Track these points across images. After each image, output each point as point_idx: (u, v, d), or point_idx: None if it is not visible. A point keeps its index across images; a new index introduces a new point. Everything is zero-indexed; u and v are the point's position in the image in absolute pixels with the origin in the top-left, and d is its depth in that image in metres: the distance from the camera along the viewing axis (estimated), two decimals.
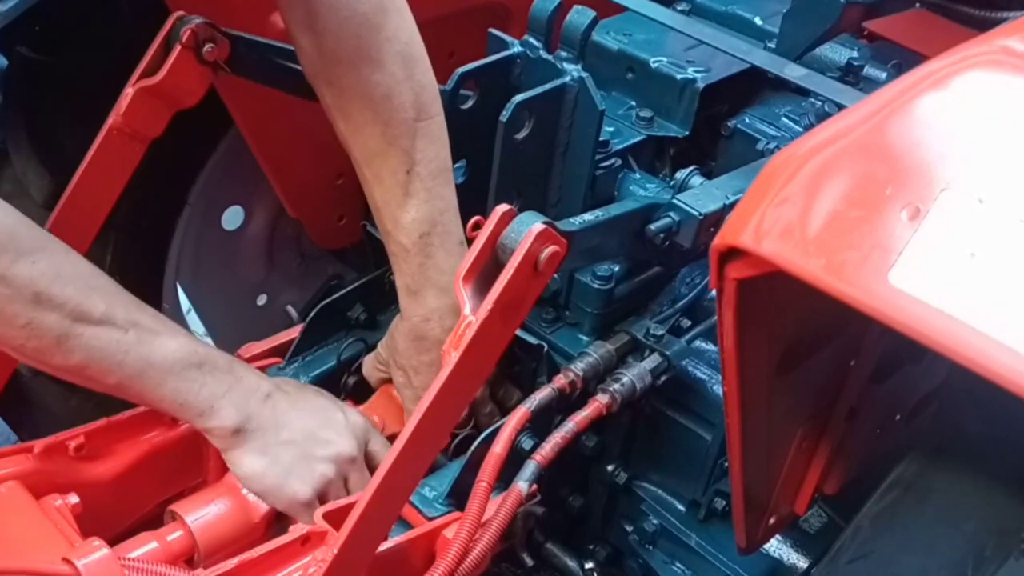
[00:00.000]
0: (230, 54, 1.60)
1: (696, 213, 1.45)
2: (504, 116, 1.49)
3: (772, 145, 1.74)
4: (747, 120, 1.80)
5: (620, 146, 1.68)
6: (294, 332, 1.76)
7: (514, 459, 1.39)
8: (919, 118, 0.93)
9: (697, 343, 1.63)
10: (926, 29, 1.90)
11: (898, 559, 1.15)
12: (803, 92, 1.79)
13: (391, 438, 1.48)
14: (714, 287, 0.92)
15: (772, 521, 1.33)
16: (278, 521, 1.44)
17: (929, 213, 0.83)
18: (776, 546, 1.61)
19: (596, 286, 1.59)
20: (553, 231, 1.23)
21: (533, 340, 1.60)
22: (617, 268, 1.61)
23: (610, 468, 1.67)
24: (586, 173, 1.58)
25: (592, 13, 1.58)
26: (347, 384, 1.76)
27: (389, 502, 1.27)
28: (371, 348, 1.75)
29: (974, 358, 0.77)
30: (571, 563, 1.72)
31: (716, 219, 1.46)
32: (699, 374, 1.58)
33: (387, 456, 1.22)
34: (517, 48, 1.62)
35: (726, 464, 1.48)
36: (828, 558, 1.24)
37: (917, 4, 1.95)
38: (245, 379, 1.40)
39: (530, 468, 1.40)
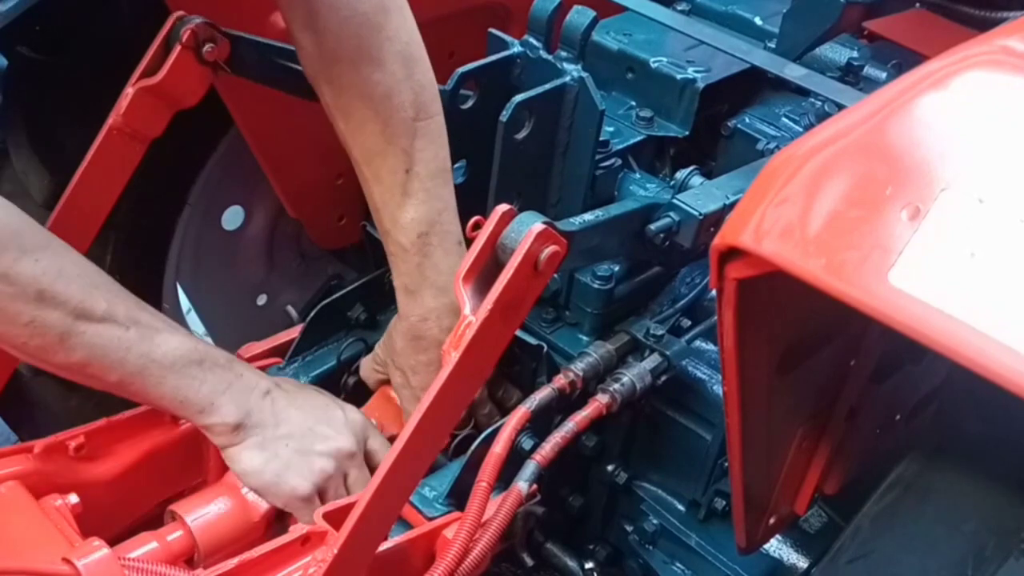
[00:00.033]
0: (230, 54, 1.61)
1: (696, 213, 1.45)
2: (504, 116, 1.49)
3: (772, 145, 1.74)
4: (747, 120, 1.80)
5: (620, 146, 1.68)
6: (294, 332, 1.76)
7: (514, 459, 1.39)
8: (919, 118, 0.93)
9: (697, 343, 1.63)
10: (926, 29, 1.90)
11: (898, 559, 1.15)
12: (803, 92, 1.79)
13: (389, 439, 1.49)
14: (714, 287, 0.92)
15: (772, 521, 1.33)
16: (278, 521, 1.44)
17: (929, 213, 0.83)
18: (776, 546, 1.61)
19: (596, 286, 1.59)
20: (553, 231, 1.23)
21: (533, 340, 1.60)
22: (617, 268, 1.61)
23: (610, 468, 1.67)
24: (586, 173, 1.58)
25: (592, 13, 1.58)
26: (347, 384, 1.76)
27: (389, 502, 1.27)
28: (371, 348, 1.75)
29: (974, 358, 0.77)
30: (571, 563, 1.72)
31: (716, 219, 1.46)
32: (699, 374, 1.58)
33: (387, 456, 1.22)
34: (517, 48, 1.62)
35: (726, 464, 1.48)
36: (828, 558, 1.25)
37: (917, 4, 1.95)
38: (244, 376, 1.41)
39: (530, 468, 1.40)
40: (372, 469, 1.49)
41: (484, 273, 1.24)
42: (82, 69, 1.78)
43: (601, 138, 1.58)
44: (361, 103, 1.47)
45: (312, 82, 1.52)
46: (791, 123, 1.78)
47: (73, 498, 1.39)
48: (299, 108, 1.64)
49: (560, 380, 1.49)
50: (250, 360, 1.69)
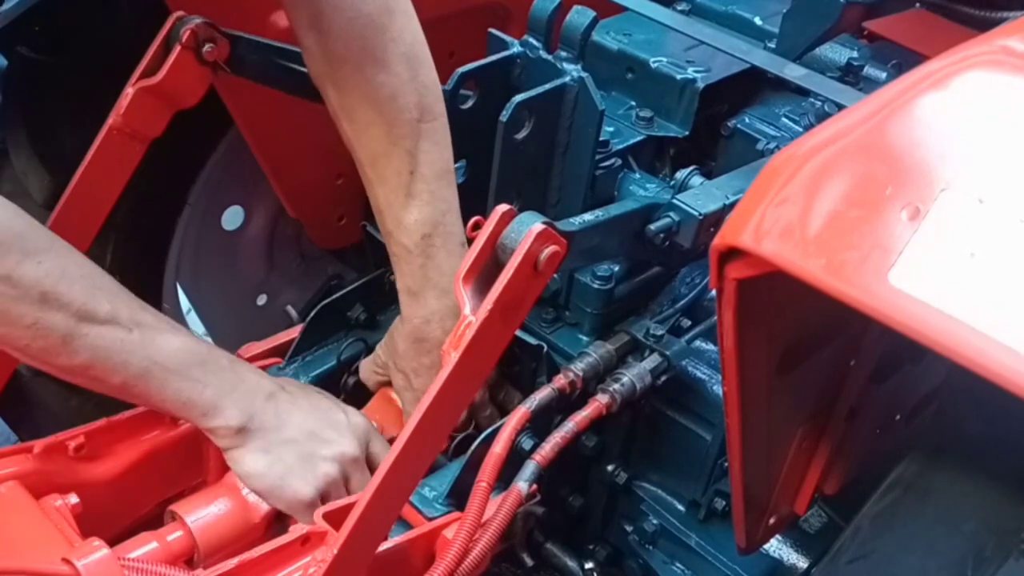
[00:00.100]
0: (230, 54, 1.61)
1: (696, 213, 1.45)
2: (504, 116, 1.49)
3: (772, 145, 1.74)
4: (747, 120, 1.80)
5: (620, 146, 1.68)
6: (294, 332, 1.76)
7: (514, 459, 1.39)
8: (919, 118, 0.93)
9: (697, 343, 1.63)
10: (926, 29, 1.90)
11: (898, 559, 1.15)
12: (803, 92, 1.79)
13: (390, 441, 1.48)
14: (714, 287, 0.92)
15: (772, 521, 1.33)
16: (278, 521, 1.44)
17: (929, 213, 0.83)
18: (776, 546, 1.61)
19: (596, 286, 1.59)
20: (553, 231, 1.23)
21: (533, 340, 1.60)
22: (617, 268, 1.61)
23: (610, 468, 1.67)
24: (586, 173, 1.58)
25: (592, 13, 1.58)
26: (347, 384, 1.76)
27: (389, 502, 1.27)
28: (371, 348, 1.75)
29: (974, 358, 0.77)
30: (571, 563, 1.72)
31: (716, 219, 1.46)
32: (699, 374, 1.58)
33: (387, 456, 1.22)
34: (517, 48, 1.62)
35: (726, 464, 1.48)
36: (828, 558, 1.24)
37: (917, 4, 1.95)
38: (248, 379, 1.40)
39: (530, 468, 1.39)
40: (373, 472, 1.49)
41: (484, 273, 1.24)
42: (82, 69, 1.78)
43: (601, 138, 1.58)
44: (366, 105, 1.47)
45: (317, 84, 1.52)
46: (791, 123, 1.78)
47: (73, 498, 1.39)
48: (299, 108, 1.64)
49: (560, 380, 1.49)
50: (250, 360, 1.69)
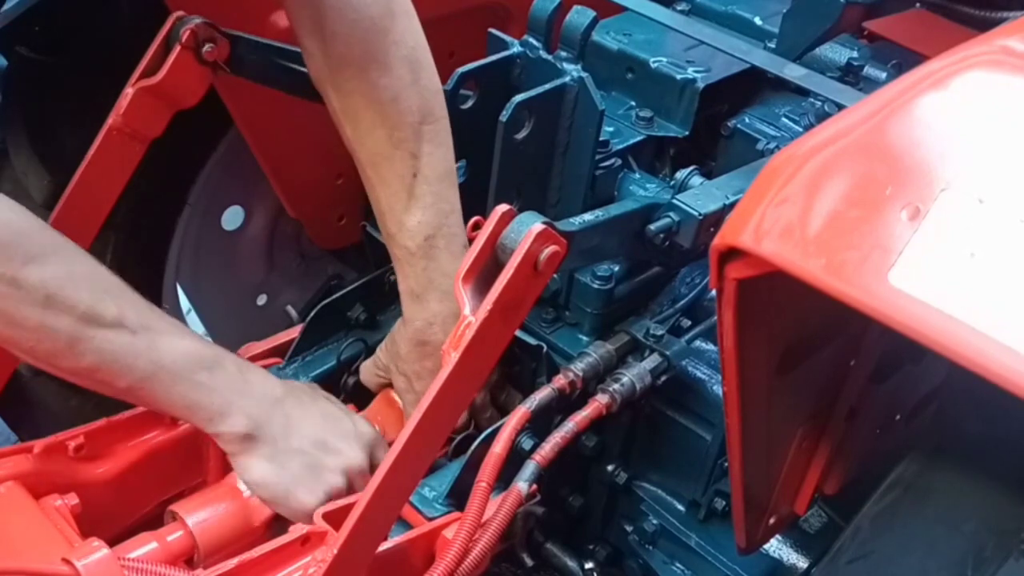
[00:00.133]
0: (230, 54, 1.61)
1: (696, 213, 1.45)
2: (504, 116, 1.49)
3: (772, 145, 1.74)
4: (747, 120, 1.80)
5: (620, 146, 1.68)
6: (294, 332, 1.76)
7: (514, 459, 1.39)
8: (919, 118, 0.93)
9: (697, 343, 1.63)
10: (926, 29, 1.90)
11: (898, 559, 1.15)
12: (803, 92, 1.79)
13: (391, 443, 1.48)
14: (714, 287, 0.92)
15: (772, 521, 1.33)
16: (278, 521, 1.44)
17: (929, 213, 0.83)
18: (776, 546, 1.61)
19: (596, 286, 1.59)
20: (553, 231, 1.23)
21: (533, 340, 1.60)
22: (617, 268, 1.61)
23: (610, 468, 1.67)
24: (586, 173, 1.58)
25: (592, 13, 1.58)
26: (347, 384, 1.76)
27: (389, 502, 1.27)
28: (371, 348, 1.75)
29: (974, 358, 0.77)
30: (571, 563, 1.72)
31: (716, 219, 1.46)
32: (699, 374, 1.58)
33: (387, 456, 1.22)
34: (517, 48, 1.62)
35: (726, 464, 1.48)
36: (828, 558, 1.24)
37: (917, 4, 1.95)
38: (257, 384, 1.39)
39: (530, 468, 1.39)
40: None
41: (484, 273, 1.24)
42: (82, 69, 1.78)
43: (601, 138, 1.58)
44: (368, 107, 1.47)
45: (318, 86, 1.51)
46: (791, 123, 1.78)
47: (73, 498, 1.39)
48: (299, 108, 1.64)
49: (560, 380, 1.49)
50: (250, 360, 1.69)
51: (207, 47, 1.57)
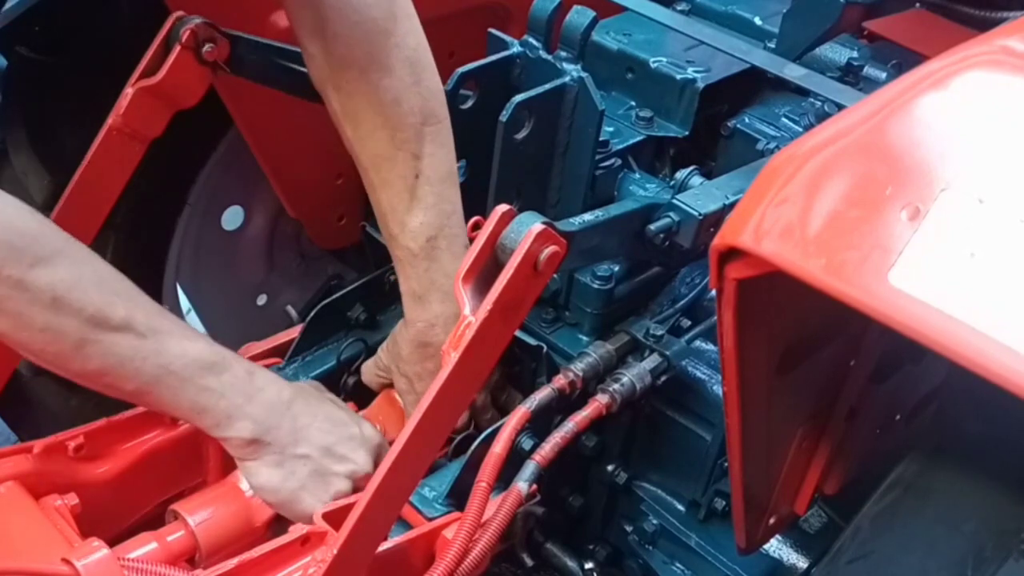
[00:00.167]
0: (230, 54, 1.61)
1: (696, 213, 1.45)
2: (504, 116, 1.49)
3: (772, 145, 1.74)
4: (747, 120, 1.80)
5: (620, 146, 1.68)
6: (294, 332, 1.76)
7: (514, 459, 1.39)
8: (919, 118, 0.93)
9: (697, 343, 1.63)
10: (926, 29, 1.90)
11: (898, 559, 1.15)
12: (803, 92, 1.79)
13: (392, 443, 1.48)
14: (714, 287, 0.92)
15: (772, 521, 1.33)
16: (278, 521, 1.44)
17: (929, 213, 0.83)
18: (776, 546, 1.61)
19: (596, 286, 1.59)
20: (553, 231, 1.23)
21: (533, 340, 1.60)
22: (617, 268, 1.61)
23: (610, 468, 1.67)
24: (586, 173, 1.58)
25: (592, 13, 1.58)
26: (347, 384, 1.76)
27: (389, 502, 1.27)
28: (371, 348, 1.75)
29: (974, 358, 0.77)
30: (571, 563, 1.72)
31: (716, 219, 1.46)
32: (699, 374, 1.58)
33: (387, 456, 1.22)
34: (517, 48, 1.62)
35: (726, 464, 1.48)
36: (828, 558, 1.24)
37: (917, 4, 1.95)
38: (265, 389, 1.39)
39: (530, 468, 1.39)
40: None
41: (484, 273, 1.24)
42: (82, 69, 1.78)
43: (601, 138, 1.58)
44: (370, 109, 1.47)
45: (319, 88, 1.51)
46: (791, 123, 1.78)
47: (73, 498, 1.39)
48: (299, 108, 1.64)
49: (560, 380, 1.49)
50: (250, 360, 1.69)
51: (207, 47, 1.57)
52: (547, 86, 1.52)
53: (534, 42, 1.60)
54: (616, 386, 1.49)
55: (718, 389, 1.54)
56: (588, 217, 1.39)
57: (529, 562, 1.56)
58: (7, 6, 1.62)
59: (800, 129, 1.76)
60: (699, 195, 1.49)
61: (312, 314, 1.75)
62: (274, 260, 2.30)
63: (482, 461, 1.36)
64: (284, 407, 1.39)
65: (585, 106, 1.53)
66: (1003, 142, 0.90)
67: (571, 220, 1.35)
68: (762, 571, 1.60)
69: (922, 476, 1.21)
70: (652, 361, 1.53)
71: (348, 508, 1.25)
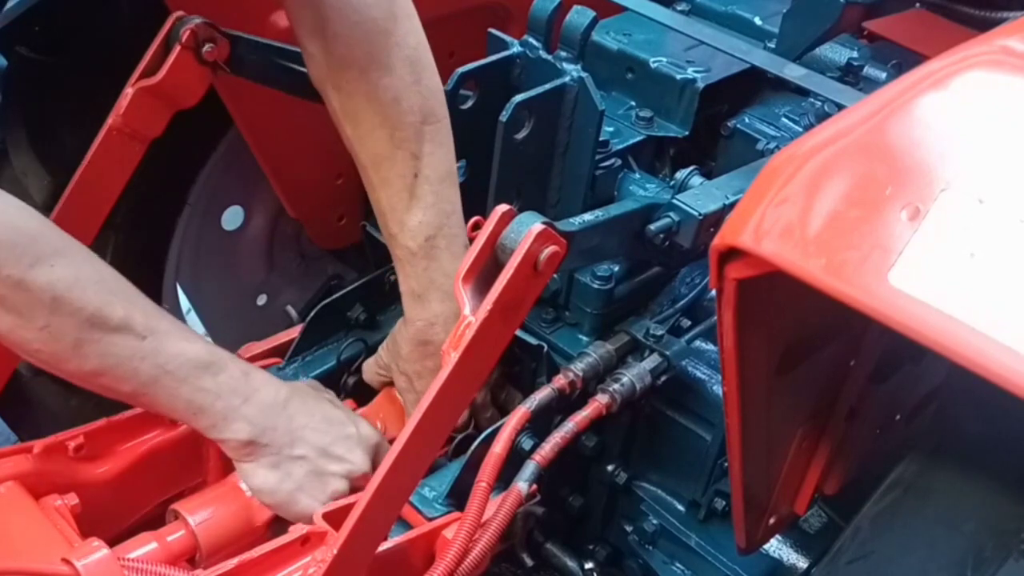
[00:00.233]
0: (230, 54, 1.61)
1: (696, 213, 1.45)
2: (504, 116, 1.49)
3: (772, 145, 1.74)
4: (747, 120, 1.80)
5: (620, 146, 1.68)
6: (294, 332, 1.76)
7: (514, 459, 1.39)
8: (919, 118, 0.93)
9: (697, 343, 1.63)
10: (926, 29, 1.90)
11: (898, 559, 1.15)
12: (803, 92, 1.79)
13: (391, 442, 1.48)
14: (714, 287, 0.92)
15: (772, 521, 1.33)
16: (279, 521, 1.44)
17: (929, 213, 0.83)
18: (776, 546, 1.61)
19: (596, 286, 1.59)
20: (553, 231, 1.23)
21: (533, 340, 1.60)
22: (617, 268, 1.61)
23: (610, 468, 1.67)
24: (586, 173, 1.58)
25: (592, 13, 1.58)
26: (347, 384, 1.76)
27: (389, 502, 1.27)
28: (371, 348, 1.75)
29: (974, 358, 0.77)
30: (571, 563, 1.72)
31: (716, 219, 1.46)
32: (699, 374, 1.58)
33: (387, 456, 1.22)
34: (517, 48, 1.62)
35: (726, 464, 1.48)
36: (828, 558, 1.24)
37: (917, 4, 1.95)
38: (262, 390, 1.39)
39: (530, 468, 1.39)
40: None
41: (484, 273, 1.24)
42: (82, 69, 1.78)
43: (601, 138, 1.58)
44: (369, 108, 1.47)
45: (318, 87, 1.51)
46: (791, 123, 1.78)
47: (73, 498, 1.39)
48: (299, 108, 1.64)
49: (560, 380, 1.49)
50: (250, 360, 1.69)
51: (207, 47, 1.57)
52: (547, 86, 1.52)
53: (534, 42, 1.60)
54: (616, 386, 1.49)
55: (718, 389, 1.54)
56: (588, 217, 1.39)
57: (529, 562, 1.56)
58: (7, 6, 1.62)
59: (800, 129, 1.76)
60: (699, 195, 1.49)
61: (312, 314, 1.75)
62: (274, 260, 2.30)
63: (482, 461, 1.36)
64: (280, 408, 1.40)
65: (585, 106, 1.53)
66: (1003, 142, 0.90)
67: (571, 220, 1.35)
68: (762, 571, 1.60)
69: (922, 476, 1.21)
70: (652, 361, 1.53)
71: (348, 508, 1.25)
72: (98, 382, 1.28)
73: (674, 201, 1.47)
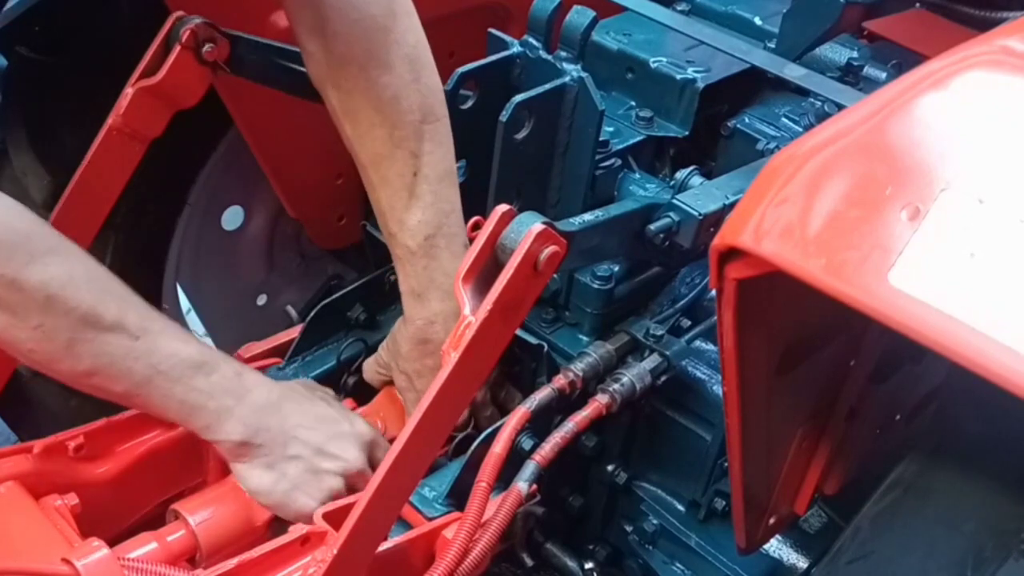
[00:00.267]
0: (230, 54, 1.61)
1: (696, 213, 1.45)
2: (504, 116, 1.49)
3: (772, 145, 1.74)
4: (747, 120, 1.80)
5: (620, 146, 1.68)
6: (294, 332, 1.76)
7: (514, 459, 1.39)
8: (919, 118, 0.93)
9: (697, 343, 1.63)
10: (926, 29, 1.90)
11: (898, 560, 1.15)
12: (803, 92, 1.79)
13: (392, 440, 1.48)
14: (714, 287, 0.92)
15: (772, 521, 1.33)
16: (279, 521, 1.44)
17: (929, 213, 0.83)
18: (776, 546, 1.61)
19: (596, 286, 1.59)
20: (553, 231, 1.23)
21: (533, 340, 1.60)
22: (617, 268, 1.61)
23: (610, 468, 1.67)
24: (586, 173, 1.58)
25: (592, 13, 1.58)
26: (347, 384, 1.76)
27: (389, 502, 1.27)
28: (371, 348, 1.75)
29: (974, 358, 0.77)
30: (571, 563, 1.72)
31: (716, 219, 1.46)
32: (699, 374, 1.58)
33: (387, 456, 1.22)
34: (517, 48, 1.62)
35: (726, 464, 1.48)
36: (828, 558, 1.24)
37: (917, 4, 1.95)
38: (254, 391, 1.39)
39: (530, 468, 1.39)
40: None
41: (484, 273, 1.24)
42: (82, 69, 1.78)
43: (601, 138, 1.58)
44: (369, 107, 1.47)
45: (318, 87, 1.51)
46: (791, 123, 1.78)
47: (73, 498, 1.39)
48: (299, 108, 1.64)
49: (560, 380, 1.49)
50: (250, 360, 1.69)
51: (207, 47, 1.57)
52: (547, 86, 1.52)
53: (534, 42, 1.60)
54: (616, 386, 1.49)
55: (718, 389, 1.54)
56: (588, 217, 1.39)
57: (529, 562, 1.56)
58: (7, 6, 1.62)
59: (800, 129, 1.76)
60: (699, 195, 1.49)
61: (312, 314, 1.75)
62: (274, 260, 2.30)
63: (482, 461, 1.36)
64: (273, 408, 1.40)
65: (585, 106, 1.53)
66: (1003, 142, 0.90)
67: (571, 220, 1.35)
68: (762, 571, 1.60)
69: (922, 476, 1.21)
70: (652, 361, 1.53)
71: (348, 508, 1.25)
72: (91, 382, 1.28)
73: (674, 201, 1.47)
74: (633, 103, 1.78)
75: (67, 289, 1.22)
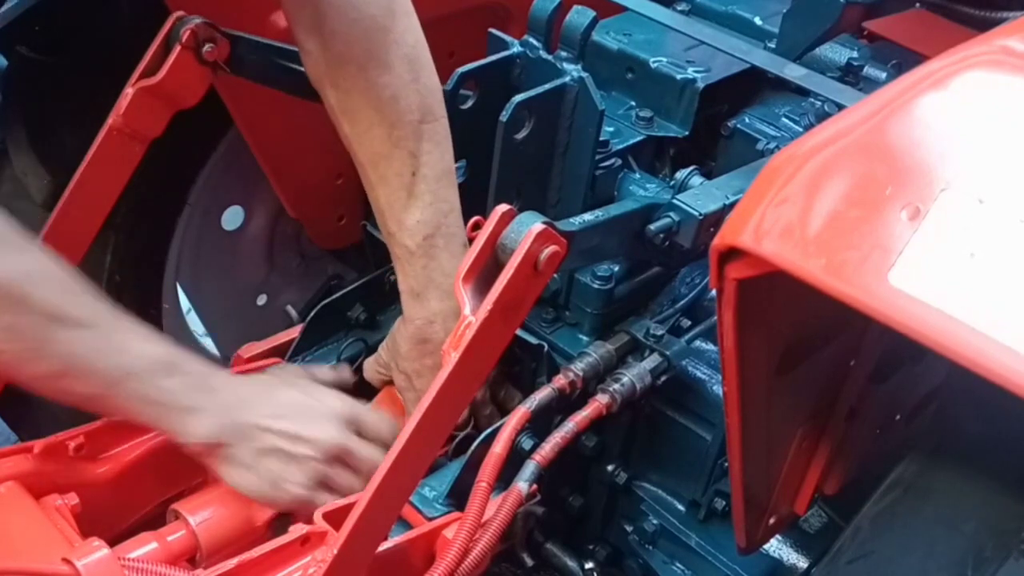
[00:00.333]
0: (230, 54, 1.61)
1: (696, 213, 1.45)
2: (504, 116, 1.49)
3: (772, 145, 1.74)
4: (747, 120, 1.80)
5: (620, 146, 1.68)
6: (294, 332, 1.76)
7: (514, 459, 1.39)
8: (919, 118, 0.93)
9: (697, 343, 1.63)
10: (926, 29, 1.90)
11: (898, 559, 1.15)
12: (803, 92, 1.79)
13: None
14: (714, 287, 0.92)
15: (772, 521, 1.33)
16: (279, 521, 1.44)
17: (929, 213, 0.83)
18: (776, 546, 1.61)
19: (596, 286, 1.59)
20: (553, 231, 1.23)
21: (533, 340, 1.60)
22: (617, 268, 1.61)
23: (610, 468, 1.67)
24: (586, 173, 1.58)
25: (592, 13, 1.58)
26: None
27: (389, 502, 1.27)
28: (371, 348, 1.75)
29: (974, 358, 0.77)
30: (571, 563, 1.72)
31: (716, 219, 1.46)
32: (699, 374, 1.58)
33: (387, 456, 1.22)
34: (517, 48, 1.62)
35: (726, 464, 1.48)
36: (828, 558, 1.24)
37: (917, 4, 1.95)
38: (221, 391, 1.37)
39: (530, 468, 1.39)
40: (374, 440, 1.47)
41: (484, 273, 1.24)
42: (82, 69, 1.78)
43: (601, 138, 1.58)
44: (367, 106, 1.47)
45: (317, 86, 1.51)
46: (791, 123, 1.78)
47: (73, 498, 1.39)
48: (299, 108, 1.64)
49: (560, 380, 1.49)
50: (250, 360, 1.69)
51: (207, 47, 1.57)
52: (547, 86, 1.52)
53: (534, 42, 1.60)
54: (616, 386, 1.50)
55: (718, 389, 1.54)
56: (588, 217, 1.39)
57: (529, 562, 1.56)
58: (7, 6, 1.62)
59: (800, 129, 1.76)
60: (699, 195, 1.49)
61: (312, 314, 1.75)
62: (274, 260, 2.30)
63: (482, 461, 1.36)
64: (242, 404, 1.38)
65: (585, 106, 1.53)
66: (1003, 142, 0.90)
67: (571, 220, 1.35)
68: (762, 571, 1.60)
69: (922, 476, 1.21)
70: (652, 361, 1.53)
71: (348, 508, 1.25)
72: (59, 385, 1.27)
73: (674, 201, 1.47)
74: (633, 103, 1.78)
75: (38, 288, 1.21)
